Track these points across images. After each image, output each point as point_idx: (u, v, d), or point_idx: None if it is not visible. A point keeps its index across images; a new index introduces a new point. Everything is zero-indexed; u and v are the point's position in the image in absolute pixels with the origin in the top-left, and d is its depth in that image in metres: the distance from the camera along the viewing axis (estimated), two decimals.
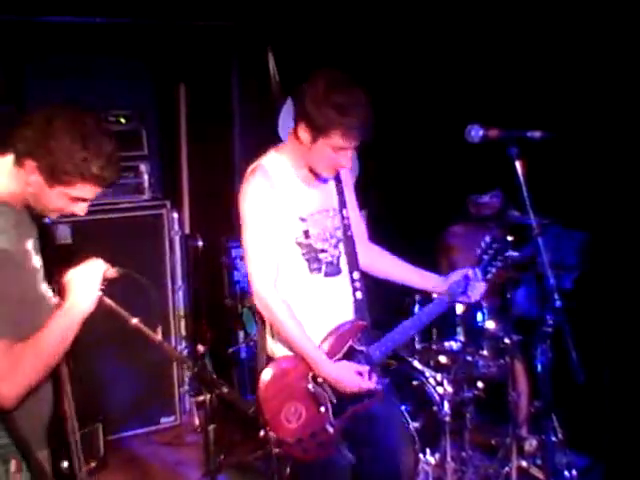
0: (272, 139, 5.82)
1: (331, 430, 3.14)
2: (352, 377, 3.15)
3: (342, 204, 3.31)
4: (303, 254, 3.18)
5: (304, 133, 3.07)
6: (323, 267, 3.22)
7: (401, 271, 3.52)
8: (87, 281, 2.44)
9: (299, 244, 3.18)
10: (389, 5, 5.56)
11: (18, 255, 2.35)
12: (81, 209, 2.43)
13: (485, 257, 3.49)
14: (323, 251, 3.22)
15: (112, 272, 2.51)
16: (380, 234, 5.34)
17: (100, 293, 2.48)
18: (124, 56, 5.53)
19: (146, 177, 5.31)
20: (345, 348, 3.21)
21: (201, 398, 2.44)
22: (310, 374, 3.14)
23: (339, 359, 3.19)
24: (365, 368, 3.20)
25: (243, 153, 5.75)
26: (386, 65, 5.81)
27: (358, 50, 5.76)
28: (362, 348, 3.25)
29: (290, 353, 3.18)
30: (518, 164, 3.16)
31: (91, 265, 2.48)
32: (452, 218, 5.24)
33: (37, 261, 2.47)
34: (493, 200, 4.90)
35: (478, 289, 3.44)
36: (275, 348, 3.22)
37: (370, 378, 3.20)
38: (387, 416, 3.42)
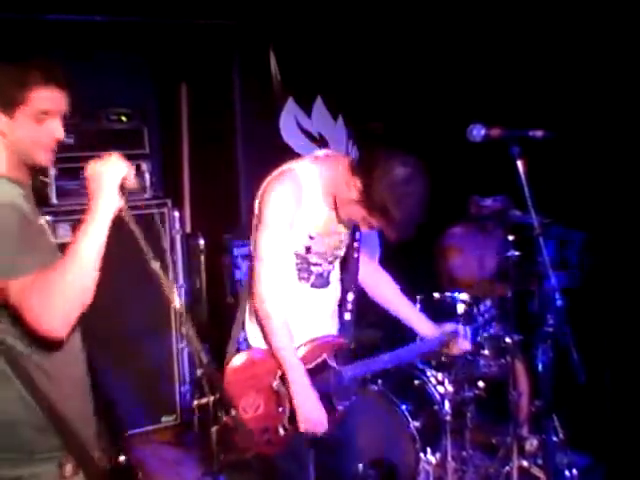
0: (273, 137, 5.85)
1: (282, 433, 3.12)
2: (317, 408, 3.10)
3: (357, 227, 3.28)
4: (297, 264, 3.17)
5: (354, 189, 3.01)
6: (312, 278, 3.21)
7: (398, 305, 3.54)
8: (106, 179, 2.33)
9: (296, 255, 3.16)
10: (391, 4, 5.56)
11: (37, 225, 2.31)
12: (54, 129, 2.30)
13: (480, 319, 3.55)
14: (316, 265, 3.21)
15: (131, 182, 2.40)
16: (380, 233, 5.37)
17: (121, 202, 2.37)
18: (126, 54, 5.54)
19: (147, 176, 5.30)
20: (318, 360, 3.20)
21: (204, 400, 2.43)
22: (279, 372, 3.12)
23: (309, 369, 3.16)
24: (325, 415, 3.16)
25: (244, 152, 5.74)
26: (388, 64, 5.82)
27: (359, 49, 5.76)
28: (336, 366, 3.24)
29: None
30: (520, 163, 3.16)
31: (112, 163, 2.37)
32: (452, 219, 5.24)
33: (53, 240, 2.42)
34: (495, 204, 4.90)
35: (460, 347, 3.55)
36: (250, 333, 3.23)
37: (324, 423, 3.14)
38: (347, 443, 3.41)
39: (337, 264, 3.30)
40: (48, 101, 2.28)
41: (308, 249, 3.17)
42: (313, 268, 3.20)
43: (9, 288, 2.11)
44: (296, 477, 3.27)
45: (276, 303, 3.09)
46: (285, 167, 3.15)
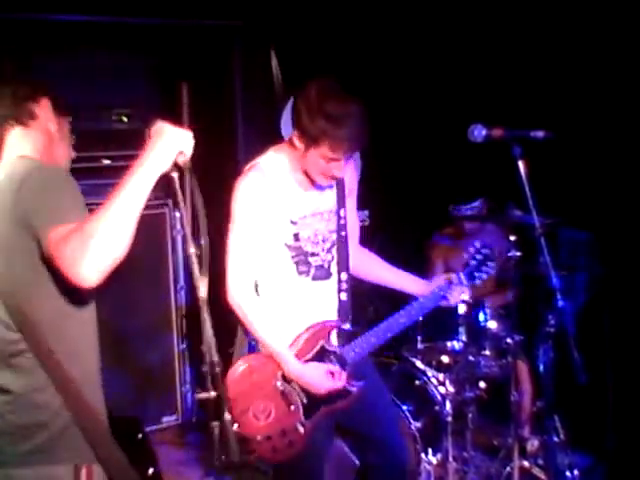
0: (275, 138, 5.85)
1: (302, 430, 3.12)
2: (321, 378, 3.14)
3: (340, 205, 3.30)
4: (292, 257, 3.17)
5: (297, 141, 3.07)
6: (312, 270, 3.22)
7: (387, 275, 3.54)
8: (169, 139, 2.32)
9: (288, 247, 3.17)
10: (392, 4, 5.56)
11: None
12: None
13: (472, 262, 3.52)
14: (314, 254, 3.21)
15: (183, 158, 2.35)
16: (381, 233, 5.38)
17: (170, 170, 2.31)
18: (127, 54, 5.53)
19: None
20: (316, 348, 3.20)
21: (204, 395, 2.43)
22: (279, 372, 3.13)
23: (309, 359, 3.17)
24: (336, 369, 3.19)
25: (246, 152, 5.73)
26: (389, 65, 5.81)
27: (361, 50, 5.76)
28: (334, 349, 3.24)
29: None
30: (521, 164, 3.16)
31: (181, 131, 2.37)
32: (447, 219, 5.25)
33: None
34: (473, 210, 4.92)
35: (458, 293, 3.49)
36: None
37: (341, 378, 3.18)
38: (385, 416, 3.43)
39: (335, 252, 3.30)
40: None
41: (296, 236, 3.17)
42: (311, 259, 3.21)
43: (49, 238, 2.10)
44: (314, 470, 3.27)
45: (245, 293, 3.11)
46: (251, 163, 3.21)
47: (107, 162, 5.18)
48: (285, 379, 3.13)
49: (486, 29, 5.34)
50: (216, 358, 2.24)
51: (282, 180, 3.16)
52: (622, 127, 4.77)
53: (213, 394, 2.28)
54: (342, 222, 3.29)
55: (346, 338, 3.29)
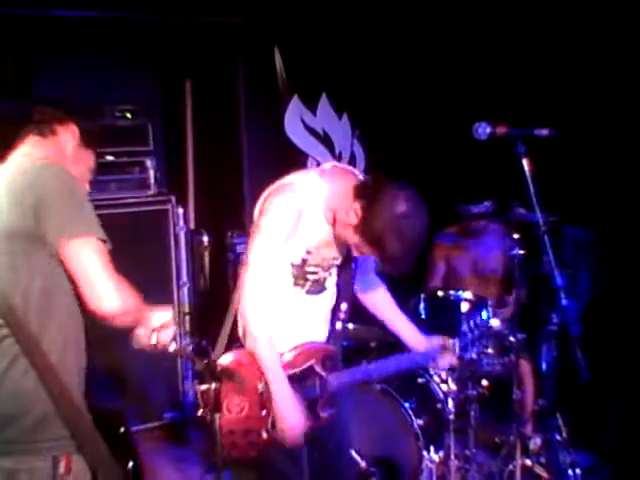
0: (278, 135, 5.86)
1: (265, 436, 3.10)
2: (298, 429, 3.09)
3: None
4: (292, 272, 3.17)
5: (354, 215, 2.99)
6: (307, 284, 3.20)
7: (394, 321, 3.56)
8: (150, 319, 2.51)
9: (293, 265, 3.15)
10: (396, 2, 5.56)
11: None
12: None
13: (468, 335, 3.54)
14: (313, 273, 3.21)
15: (161, 338, 2.62)
16: None
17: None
18: (131, 51, 5.53)
19: (152, 172, 5.30)
20: (305, 366, 3.19)
21: (205, 386, 2.44)
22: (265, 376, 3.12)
23: (295, 374, 3.16)
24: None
25: (249, 149, 5.74)
26: (393, 62, 5.81)
27: (364, 47, 5.76)
28: (322, 373, 3.23)
29: None
30: (525, 162, 3.16)
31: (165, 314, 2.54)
32: (449, 219, 5.25)
33: None
34: (481, 210, 4.92)
35: (447, 361, 3.57)
36: None
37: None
38: (336, 447, 3.42)
39: (334, 271, 3.30)
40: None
41: (304, 261, 3.16)
42: (310, 276, 3.20)
43: (69, 247, 2.25)
44: (290, 476, 3.26)
45: (261, 320, 3.06)
46: (288, 180, 3.12)
47: (111, 158, 5.18)
48: (268, 385, 3.13)
49: (491, 28, 5.34)
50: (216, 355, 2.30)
51: (313, 209, 3.10)
52: (626, 125, 4.77)
53: (214, 386, 2.30)
54: (352, 255, 3.25)
55: (333, 365, 3.28)
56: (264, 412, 3.11)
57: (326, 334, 3.32)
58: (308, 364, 3.21)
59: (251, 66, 5.81)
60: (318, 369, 3.23)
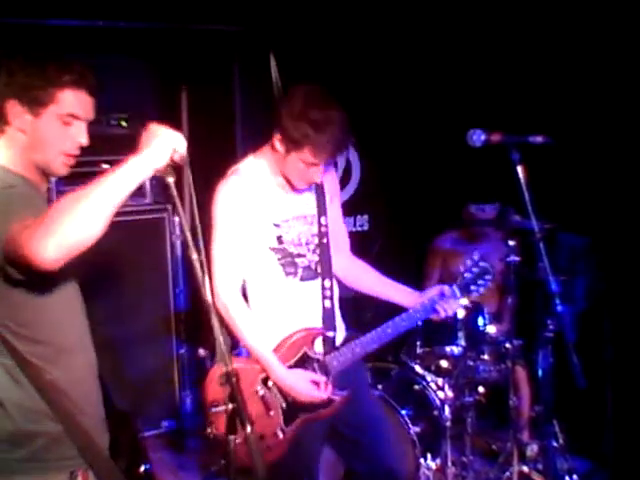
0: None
1: (281, 435, 3.12)
2: (305, 385, 3.13)
3: (320, 211, 3.31)
4: (279, 259, 3.18)
5: (279, 144, 3.10)
6: (299, 271, 3.22)
7: (378, 286, 3.52)
8: (161, 138, 2.24)
9: (273, 249, 3.18)
10: (391, 10, 5.57)
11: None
12: (79, 134, 2.31)
13: (467, 275, 3.49)
14: (300, 255, 3.22)
15: (179, 154, 2.30)
16: (380, 238, 5.38)
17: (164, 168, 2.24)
18: (126, 59, 5.54)
19: (147, 181, 5.30)
20: (299, 355, 3.20)
21: (221, 408, 2.38)
22: (260, 377, 3.13)
23: (291, 366, 3.17)
24: (322, 378, 3.18)
25: (245, 156, 5.74)
26: (388, 70, 5.82)
27: (360, 55, 5.77)
28: (318, 356, 3.23)
29: None
30: (520, 169, 3.17)
31: (171, 131, 2.29)
32: (449, 223, 5.25)
33: None
34: (491, 211, 4.92)
35: (451, 306, 3.45)
36: None
37: (326, 389, 3.17)
38: (372, 424, 3.40)
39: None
40: (78, 104, 2.28)
41: (279, 239, 3.18)
42: (298, 260, 3.22)
43: (8, 233, 2.03)
44: (306, 475, 3.26)
45: (236, 301, 3.12)
46: (231, 169, 3.26)
47: (106, 167, 5.16)
48: (265, 384, 3.13)
49: (486, 35, 5.35)
50: (231, 367, 2.20)
51: (262, 183, 3.19)
52: (620, 132, 4.77)
53: (230, 407, 2.25)
54: (323, 229, 3.30)
55: (330, 346, 3.27)
56: (272, 412, 3.12)
57: (321, 319, 3.31)
58: (301, 352, 3.20)
59: (247, 74, 5.81)
60: (312, 354, 3.22)
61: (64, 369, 2.27)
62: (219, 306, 3.10)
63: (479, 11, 5.31)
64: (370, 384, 4.22)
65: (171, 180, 2.26)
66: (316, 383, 3.16)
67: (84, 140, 2.31)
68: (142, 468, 2.36)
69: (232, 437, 2.27)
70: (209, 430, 2.91)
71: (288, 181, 3.20)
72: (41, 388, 2.19)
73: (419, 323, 4.19)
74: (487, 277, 3.48)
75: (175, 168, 2.28)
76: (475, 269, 3.49)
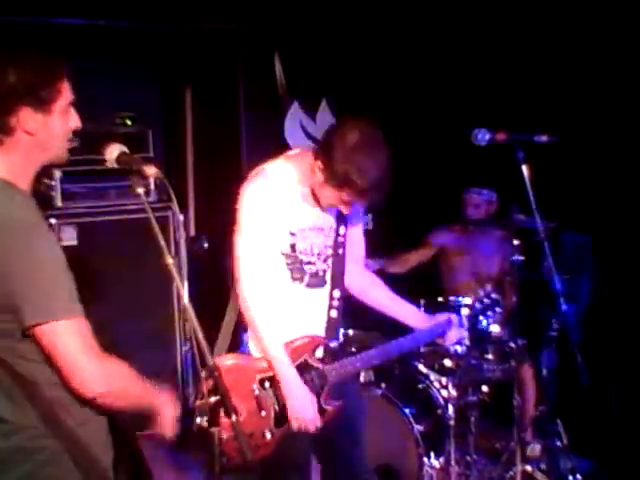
0: (278, 141, 5.85)
1: (269, 436, 3.10)
2: (307, 405, 3.10)
3: (340, 222, 3.29)
4: (287, 264, 3.17)
5: (319, 171, 3.04)
6: (306, 278, 3.21)
7: (388, 303, 3.50)
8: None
9: (284, 255, 3.17)
10: (395, 9, 5.57)
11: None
12: (76, 119, 2.27)
13: (477, 306, 3.49)
14: (309, 263, 3.21)
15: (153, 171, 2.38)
16: (383, 238, 5.38)
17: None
18: (131, 58, 5.54)
19: (151, 179, 5.30)
20: (298, 361, 3.18)
21: (202, 402, 2.41)
22: (258, 377, 3.12)
23: None
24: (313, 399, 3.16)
25: (249, 155, 5.73)
26: (393, 68, 5.82)
27: (364, 53, 5.76)
28: (318, 365, 3.22)
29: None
30: (524, 168, 3.17)
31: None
32: (449, 219, 5.27)
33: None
34: (488, 196, 4.94)
35: (455, 336, 3.48)
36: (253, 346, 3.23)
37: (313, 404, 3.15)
38: (352, 427, 3.39)
39: (330, 263, 3.28)
40: (71, 91, 2.26)
41: (293, 247, 3.17)
42: (306, 267, 3.20)
43: (45, 330, 2.07)
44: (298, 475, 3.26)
45: (256, 296, 3.11)
46: (258, 168, 3.21)
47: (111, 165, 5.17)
48: (262, 385, 3.12)
49: (490, 34, 5.35)
50: (212, 362, 2.25)
51: (286, 190, 3.16)
52: (625, 130, 4.77)
53: (212, 400, 2.26)
54: (340, 240, 3.28)
55: (331, 356, 3.26)
56: (264, 413, 3.11)
57: (324, 328, 3.30)
58: (301, 359, 3.19)
59: (251, 73, 5.81)
60: (312, 362, 3.21)
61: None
62: (243, 303, 3.12)
63: (485, 9, 5.31)
64: (370, 384, 4.25)
65: (141, 191, 2.35)
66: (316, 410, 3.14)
67: (79, 123, 2.29)
68: None
69: (215, 429, 2.28)
70: (196, 422, 2.91)
71: (314, 195, 3.17)
72: (39, 406, 2.16)
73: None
74: (497, 309, 3.50)
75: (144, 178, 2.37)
76: (486, 300, 3.50)
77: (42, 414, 2.15)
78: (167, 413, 2.42)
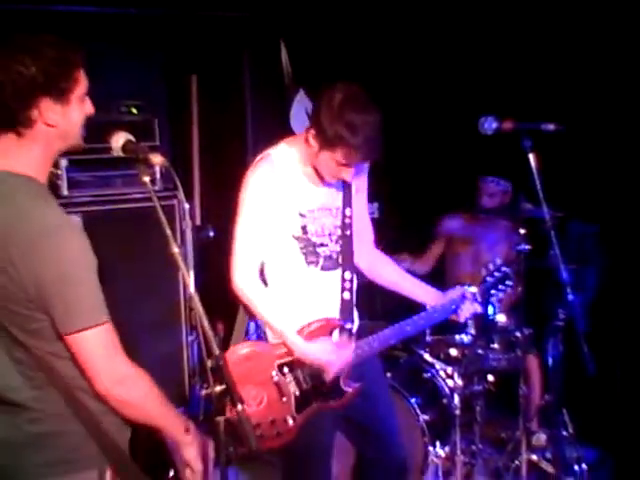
0: (284, 130, 5.84)
1: (291, 422, 3.12)
2: (328, 354, 3.13)
3: (345, 203, 3.30)
4: (300, 248, 3.18)
5: (313, 140, 3.07)
6: (321, 261, 3.22)
7: (400, 281, 3.52)
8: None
9: (296, 238, 3.18)
10: None
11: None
12: (90, 105, 2.30)
13: (489, 280, 3.49)
14: (322, 245, 3.22)
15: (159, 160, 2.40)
16: (390, 226, 5.37)
17: None
18: (136, 46, 5.52)
19: (157, 168, 5.29)
20: None
21: (209, 390, 2.41)
22: (276, 363, 3.13)
23: None
24: (343, 340, 3.19)
25: (255, 144, 5.73)
26: (399, 57, 5.80)
27: (370, 42, 5.75)
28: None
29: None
30: (532, 156, 3.16)
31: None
32: (458, 208, 5.25)
33: None
34: (504, 186, 4.93)
35: (469, 310, 3.47)
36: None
37: (349, 347, 3.18)
38: (386, 413, 3.42)
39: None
40: (86, 79, 2.27)
41: (304, 228, 3.18)
42: (319, 250, 3.21)
43: (72, 338, 2.11)
44: (316, 465, 3.27)
45: (248, 277, 3.13)
46: (263, 153, 3.22)
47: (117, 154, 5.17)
48: (281, 371, 3.13)
49: (497, 23, 5.32)
50: (216, 350, 2.25)
51: (292, 173, 3.18)
52: (633, 120, 4.75)
53: (218, 389, 2.26)
54: (347, 221, 3.29)
55: (348, 338, 3.27)
56: (284, 399, 3.12)
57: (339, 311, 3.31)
58: None
59: (257, 61, 5.80)
60: None
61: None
62: (235, 287, 3.14)
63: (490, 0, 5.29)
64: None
65: (147, 179, 2.38)
66: (340, 345, 3.17)
67: (92, 110, 2.32)
68: (171, 473, 2.34)
69: (220, 418, 2.29)
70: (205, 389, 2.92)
71: (317, 173, 3.19)
72: (64, 394, 2.19)
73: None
74: (508, 282, 3.49)
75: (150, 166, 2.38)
76: (497, 274, 3.50)
77: (67, 401, 2.18)
78: (190, 456, 2.33)
